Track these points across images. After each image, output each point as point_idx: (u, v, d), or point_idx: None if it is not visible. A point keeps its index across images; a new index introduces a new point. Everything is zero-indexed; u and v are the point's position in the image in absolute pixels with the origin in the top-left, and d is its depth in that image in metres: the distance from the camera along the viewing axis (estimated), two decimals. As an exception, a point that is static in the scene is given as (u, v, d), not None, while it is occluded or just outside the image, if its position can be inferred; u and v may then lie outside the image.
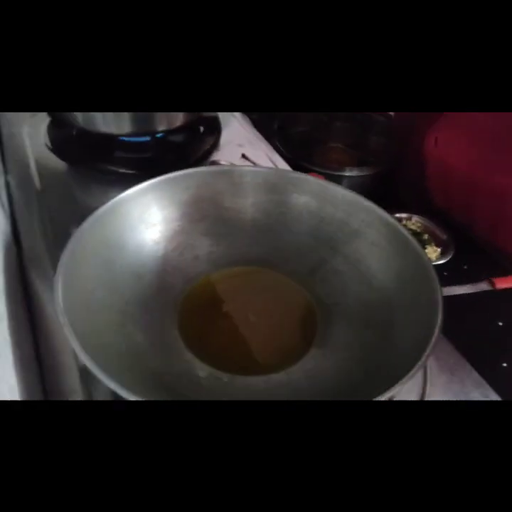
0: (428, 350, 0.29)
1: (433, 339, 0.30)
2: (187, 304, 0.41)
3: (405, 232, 0.38)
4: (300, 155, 0.74)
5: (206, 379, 0.35)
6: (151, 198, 0.41)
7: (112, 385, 0.25)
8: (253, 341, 0.39)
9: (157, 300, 0.39)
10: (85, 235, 0.35)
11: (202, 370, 0.36)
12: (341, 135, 0.84)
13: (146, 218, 0.41)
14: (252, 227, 0.45)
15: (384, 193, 0.77)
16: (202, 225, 0.44)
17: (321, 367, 0.36)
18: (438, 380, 0.38)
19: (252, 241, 0.45)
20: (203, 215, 0.44)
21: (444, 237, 0.63)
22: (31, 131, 0.62)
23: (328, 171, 0.71)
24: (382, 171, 0.73)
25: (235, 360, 0.37)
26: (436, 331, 0.30)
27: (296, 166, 0.71)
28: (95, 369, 0.26)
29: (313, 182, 0.43)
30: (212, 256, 0.44)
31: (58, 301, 0.30)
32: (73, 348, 0.26)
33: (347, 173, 0.71)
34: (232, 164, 0.56)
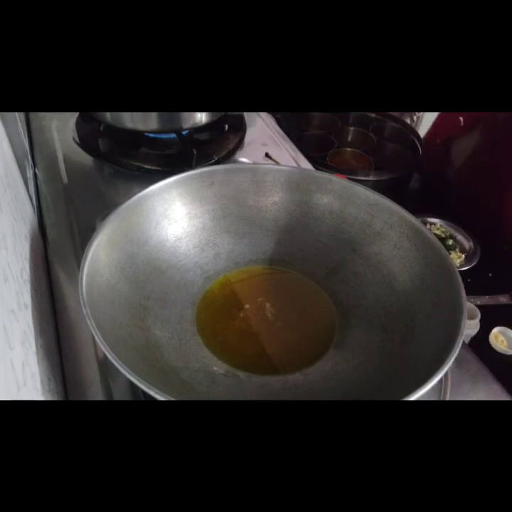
0: (450, 360, 0.28)
1: (455, 348, 0.29)
2: (206, 301, 0.41)
3: (430, 235, 0.37)
4: (315, 156, 0.73)
5: (223, 376, 0.35)
6: (174, 194, 0.41)
7: (132, 377, 0.26)
8: (271, 341, 0.38)
9: (177, 296, 0.40)
10: (109, 229, 0.36)
11: (219, 367, 0.36)
12: (355, 139, 0.83)
13: (170, 214, 0.41)
14: (273, 226, 0.45)
15: (400, 198, 0.76)
16: (224, 223, 0.44)
17: (338, 369, 0.36)
18: (459, 389, 0.37)
19: (273, 240, 0.45)
20: (225, 213, 0.44)
21: (469, 243, 0.61)
22: (60, 126, 0.63)
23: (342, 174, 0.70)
24: (397, 177, 0.72)
25: (252, 359, 0.37)
26: (459, 339, 0.29)
27: (318, 166, 0.70)
28: (116, 360, 0.26)
29: (336, 182, 0.43)
30: (233, 254, 0.44)
31: (82, 292, 0.30)
32: (94, 340, 0.27)
33: (362, 178, 0.70)
34: (255, 162, 0.56)
